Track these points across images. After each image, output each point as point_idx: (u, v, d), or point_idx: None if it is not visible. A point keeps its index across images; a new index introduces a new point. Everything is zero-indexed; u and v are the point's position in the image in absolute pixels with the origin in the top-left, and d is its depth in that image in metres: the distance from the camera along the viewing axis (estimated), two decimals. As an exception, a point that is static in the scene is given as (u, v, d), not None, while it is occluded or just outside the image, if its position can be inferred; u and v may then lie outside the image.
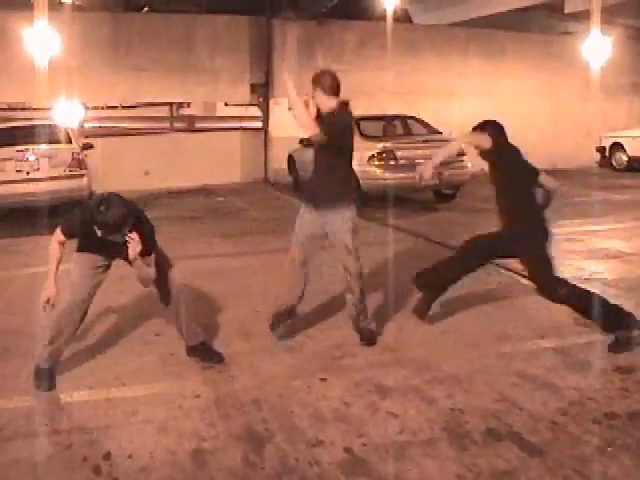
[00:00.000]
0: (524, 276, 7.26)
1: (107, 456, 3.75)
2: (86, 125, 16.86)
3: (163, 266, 4.93)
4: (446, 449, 3.76)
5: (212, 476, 3.54)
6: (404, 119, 14.44)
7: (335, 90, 5.27)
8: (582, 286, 5.51)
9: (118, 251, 4.70)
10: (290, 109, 5.41)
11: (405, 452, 3.73)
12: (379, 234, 10.17)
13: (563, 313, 6.08)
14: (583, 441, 3.80)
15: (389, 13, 17.71)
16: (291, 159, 16.31)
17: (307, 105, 5.22)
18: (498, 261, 7.85)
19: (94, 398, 4.54)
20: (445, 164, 12.64)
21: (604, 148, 19.38)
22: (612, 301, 5.25)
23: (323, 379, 4.75)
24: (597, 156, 19.73)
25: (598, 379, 4.67)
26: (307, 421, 4.13)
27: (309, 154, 6.03)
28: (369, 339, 5.43)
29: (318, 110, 5.28)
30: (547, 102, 20.20)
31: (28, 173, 11.15)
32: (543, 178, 5.35)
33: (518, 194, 5.36)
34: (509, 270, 7.54)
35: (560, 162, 19.50)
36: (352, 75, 17.96)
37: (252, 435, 3.97)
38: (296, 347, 5.40)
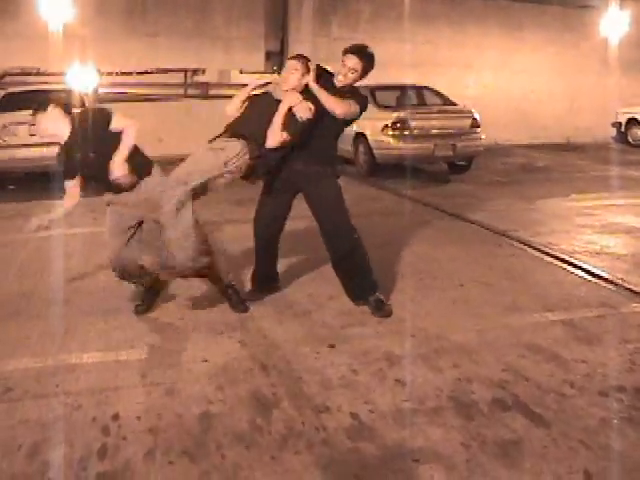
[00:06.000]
0: (534, 248, 7.29)
1: (116, 417, 3.79)
2: (100, 90, 16.80)
3: None
4: (452, 418, 3.78)
5: (219, 439, 3.57)
6: (419, 89, 14.32)
7: None
8: None
9: None
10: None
11: (411, 420, 3.75)
12: (391, 204, 10.19)
13: (572, 286, 6.09)
14: (589, 413, 3.81)
15: (406, -17, 17.56)
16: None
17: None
18: (510, 233, 7.90)
19: (104, 360, 4.58)
20: (458, 135, 12.60)
21: (620, 123, 19.23)
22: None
23: (331, 346, 4.77)
24: (613, 131, 19.59)
25: (606, 352, 4.66)
26: (314, 387, 4.15)
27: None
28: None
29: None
30: (564, 76, 19.95)
31: (42, 137, 11.12)
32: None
33: None
34: (520, 242, 7.54)
35: (576, 137, 19.38)
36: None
37: (259, 400, 4.00)
38: (305, 314, 5.42)
